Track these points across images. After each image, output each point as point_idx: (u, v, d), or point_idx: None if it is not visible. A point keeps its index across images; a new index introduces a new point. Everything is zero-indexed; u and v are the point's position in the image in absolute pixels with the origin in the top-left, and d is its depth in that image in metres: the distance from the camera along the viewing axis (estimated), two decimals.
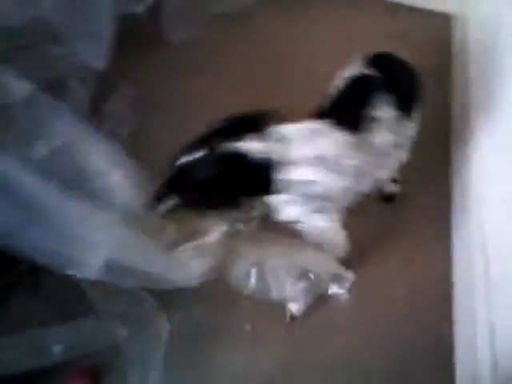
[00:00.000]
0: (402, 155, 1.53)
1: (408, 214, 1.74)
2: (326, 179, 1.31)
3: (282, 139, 1.27)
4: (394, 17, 2.32)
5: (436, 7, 2.37)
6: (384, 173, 1.47)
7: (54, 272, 1.40)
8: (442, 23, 2.32)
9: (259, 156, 1.24)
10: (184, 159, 1.24)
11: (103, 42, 1.59)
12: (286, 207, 1.32)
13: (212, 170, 1.24)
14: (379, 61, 1.47)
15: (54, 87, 1.44)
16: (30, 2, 1.46)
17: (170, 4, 2.03)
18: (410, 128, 1.46)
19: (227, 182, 1.26)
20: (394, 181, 1.75)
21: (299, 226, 1.37)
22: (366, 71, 1.43)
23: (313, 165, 1.29)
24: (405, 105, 1.42)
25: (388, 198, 1.77)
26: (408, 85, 1.46)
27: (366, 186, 1.42)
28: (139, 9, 1.80)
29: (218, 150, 1.23)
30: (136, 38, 1.89)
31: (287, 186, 1.28)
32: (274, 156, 1.25)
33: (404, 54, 2.06)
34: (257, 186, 1.29)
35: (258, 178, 1.27)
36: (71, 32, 1.52)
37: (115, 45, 1.67)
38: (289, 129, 1.29)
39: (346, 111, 1.38)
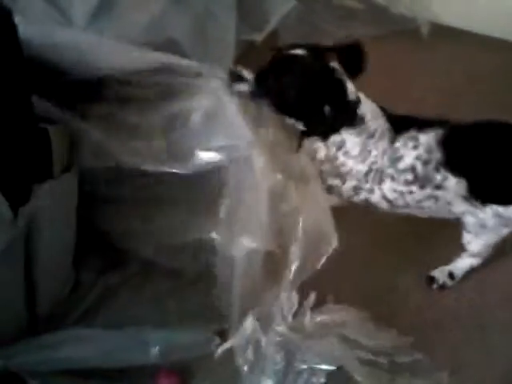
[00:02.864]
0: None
1: None
2: (356, 157, 1.40)
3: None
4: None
5: None
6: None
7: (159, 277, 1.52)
8: None
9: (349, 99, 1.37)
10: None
11: (225, 64, 1.70)
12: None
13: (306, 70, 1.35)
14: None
15: None
16: (165, 24, 1.60)
17: (285, 35, 2.13)
18: (453, 183, 1.39)
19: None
20: (451, 275, 1.62)
21: None
22: None
23: (361, 137, 1.39)
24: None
25: (431, 279, 1.63)
26: None
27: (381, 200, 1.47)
28: (259, 37, 1.91)
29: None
30: (252, 62, 2.00)
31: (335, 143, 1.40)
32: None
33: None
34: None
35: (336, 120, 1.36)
36: (198, 54, 1.64)
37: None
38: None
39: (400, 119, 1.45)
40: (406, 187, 1.41)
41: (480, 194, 1.40)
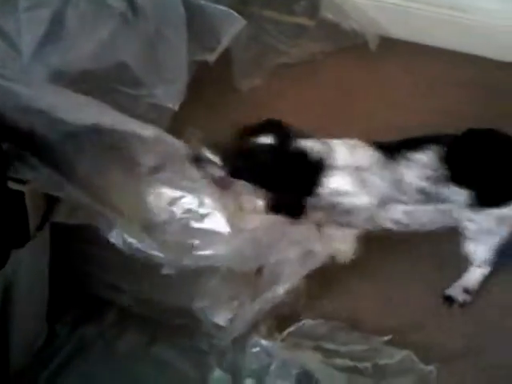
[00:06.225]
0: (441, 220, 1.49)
1: None
2: (355, 192, 1.40)
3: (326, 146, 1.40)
4: (463, 66, 2.33)
5: (510, 58, 2.36)
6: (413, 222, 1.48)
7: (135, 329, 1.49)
8: None
9: (316, 157, 1.38)
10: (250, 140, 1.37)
11: (179, 86, 1.71)
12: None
13: (278, 161, 1.36)
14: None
15: None
16: (114, 49, 1.60)
17: (238, 54, 2.15)
18: (459, 194, 1.43)
19: (284, 178, 1.37)
20: (466, 291, 1.63)
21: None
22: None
23: (349, 175, 1.39)
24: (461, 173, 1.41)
25: (447, 298, 1.65)
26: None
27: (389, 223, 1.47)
28: (211, 57, 1.92)
29: (285, 144, 1.36)
30: (206, 83, 2.01)
31: (323, 192, 1.39)
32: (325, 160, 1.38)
33: (471, 105, 2.11)
34: (305, 187, 1.39)
35: (311, 178, 1.38)
36: (150, 76, 1.65)
37: (187, 88, 1.79)
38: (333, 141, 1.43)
39: (388, 145, 1.46)
40: (417, 207, 1.44)
41: (485, 200, 1.44)
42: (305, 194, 1.40)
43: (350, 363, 1.40)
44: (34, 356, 1.42)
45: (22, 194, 1.17)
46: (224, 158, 1.38)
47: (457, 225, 1.53)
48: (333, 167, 1.39)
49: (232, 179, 1.40)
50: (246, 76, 2.17)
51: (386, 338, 1.47)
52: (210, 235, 1.31)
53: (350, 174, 1.40)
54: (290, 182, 1.38)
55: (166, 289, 1.44)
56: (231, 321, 1.41)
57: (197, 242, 1.30)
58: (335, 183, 1.39)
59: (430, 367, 1.42)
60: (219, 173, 1.38)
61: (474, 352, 1.54)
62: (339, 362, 1.40)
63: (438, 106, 2.16)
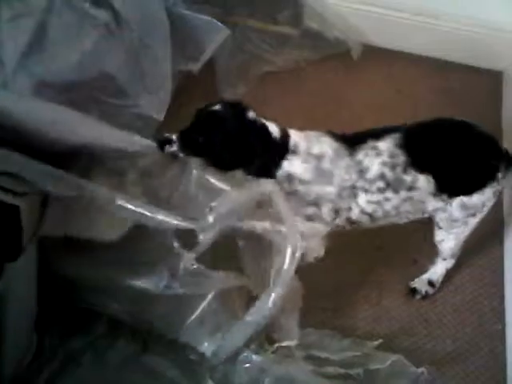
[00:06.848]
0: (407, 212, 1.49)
1: None
2: (313, 181, 1.40)
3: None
4: (444, 73, 2.37)
5: (487, 65, 2.41)
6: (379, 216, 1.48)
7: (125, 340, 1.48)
8: (493, 81, 2.36)
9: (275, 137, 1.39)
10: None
11: (163, 96, 1.72)
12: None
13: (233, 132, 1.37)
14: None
15: None
16: (98, 59, 1.60)
17: (222, 64, 2.16)
18: (420, 181, 1.44)
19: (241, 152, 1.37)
20: (430, 283, 1.69)
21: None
22: None
23: (307, 163, 1.40)
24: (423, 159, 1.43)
25: (413, 291, 1.70)
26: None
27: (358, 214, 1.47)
28: (196, 67, 1.93)
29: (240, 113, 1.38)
30: (191, 92, 2.02)
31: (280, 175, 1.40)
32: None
33: (452, 110, 2.14)
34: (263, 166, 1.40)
35: (270, 158, 1.39)
36: (134, 86, 1.65)
37: (172, 98, 1.80)
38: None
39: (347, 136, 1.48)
40: (380, 195, 1.44)
41: (446, 188, 1.46)
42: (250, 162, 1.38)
43: (342, 371, 1.40)
44: (24, 368, 1.41)
45: (16, 208, 1.15)
46: (181, 136, 1.38)
47: (429, 215, 1.55)
48: (290, 151, 1.39)
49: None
50: (230, 85, 2.17)
51: (376, 343, 1.48)
52: None
53: (308, 162, 1.40)
54: (239, 148, 1.37)
55: (152, 318, 1.44)
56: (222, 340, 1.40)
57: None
58: (292, 167, 1.39)
59: (421, 369, 1.43)
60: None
61: (464, 356, 1.57)
62: (331, 370, 1.40)
63: (419, 111, 2.18)
